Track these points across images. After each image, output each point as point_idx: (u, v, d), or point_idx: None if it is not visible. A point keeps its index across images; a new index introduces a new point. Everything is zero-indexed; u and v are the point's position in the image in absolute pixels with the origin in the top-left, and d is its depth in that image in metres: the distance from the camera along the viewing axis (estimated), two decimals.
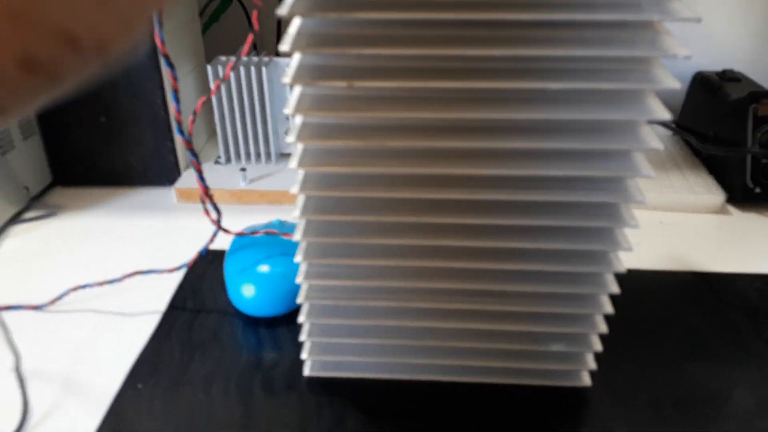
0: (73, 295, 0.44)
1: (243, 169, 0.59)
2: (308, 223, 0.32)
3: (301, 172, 0.31)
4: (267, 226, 0.44)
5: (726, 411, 0.36)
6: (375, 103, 0.29)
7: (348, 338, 0.36)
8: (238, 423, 0.35)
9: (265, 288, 0.41)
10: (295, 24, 0.28)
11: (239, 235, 0.44)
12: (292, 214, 0.31)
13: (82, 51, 0.15)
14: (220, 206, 0.42)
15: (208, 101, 0.60)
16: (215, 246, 0.44)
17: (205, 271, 0.47)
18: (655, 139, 0.29)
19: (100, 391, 0.37)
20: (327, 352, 0.37)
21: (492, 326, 0.35)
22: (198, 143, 0.65)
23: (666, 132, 0.66)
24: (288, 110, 0.28)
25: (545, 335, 0.35)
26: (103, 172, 0.60)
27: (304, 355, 0.37)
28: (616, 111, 0.28)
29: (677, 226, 0.55)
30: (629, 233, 0.32)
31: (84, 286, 0.44)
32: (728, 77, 0.62)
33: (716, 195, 0.57)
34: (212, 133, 0.69)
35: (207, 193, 0.40)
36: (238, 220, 0.46)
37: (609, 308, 0.34)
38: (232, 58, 0.58)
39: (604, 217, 0.31)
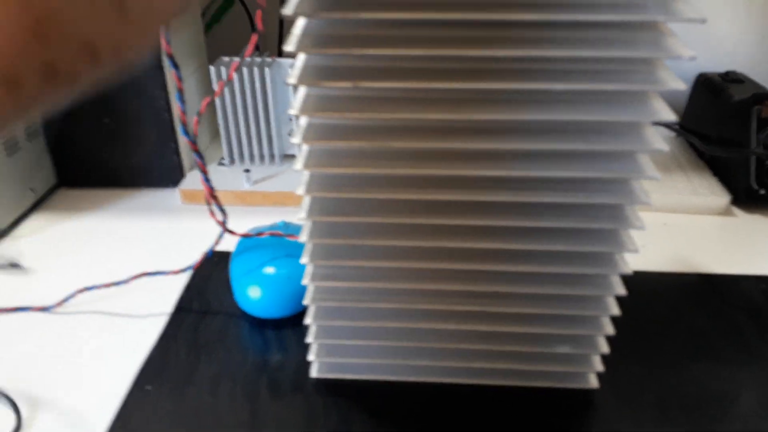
0: (80, 296, 0.44)
1: (247, 171, 0.59)
2: (314, 225, 0.32)
3: (306, 174, 0.31)
4: (272, 227, 0.44)
5: (732, 412, 0.36)
6: (380, 104, 0.29)
7: (354, 340, 0.36)
8: (245, 425, 0.35)
9: (271, 290, 0.41)
10: (300, 24, 0.28)
11: (245, 236, 0.44)
12: (298, 216, 0.31)
13: (101, 60, 0.15)
14: (224, 208, 0.42)
15: (212, 102, 0.60)
16: (220, 248, 0.44)
17: (211, 273, 0.47)
18: (660, 140, 0.29)
19: (108, 392, 0.37)
20: (333, 354, 0.37)
21: (498, 328, 0.35)
22: (201, 145, 0.66)
23: (669, 134, 0.66)
24: (293, 111, 0.28)
25: (551, 337, 0.35)
26: (107, 173, 0.60)
27: (310, 357, 0.37)
28: (620, 112, 0.28)
29: (681, 227, 0.55)
30: (634, 235, 0.32)
31: (91, 288, 0.44)
32: (731, 79, 0.62)
33: (720, 197, 0.57)
34: (215, 135, 0.69)
35: (213, 195, 0.40)
36: (243, 221, 0.47)
37: (615, 310, 0.34)
38: (236, 59, 0.59)
39: (609, 219, 0.31)
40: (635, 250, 0.31)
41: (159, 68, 0.55)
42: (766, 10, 0.70)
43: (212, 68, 0.57)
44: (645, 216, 0.31)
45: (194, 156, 0.39)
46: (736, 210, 0.58)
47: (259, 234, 0.43)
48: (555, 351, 0.36)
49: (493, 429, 0.35)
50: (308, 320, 0.35)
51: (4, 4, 0.12)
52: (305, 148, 0.30)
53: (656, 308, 0.44)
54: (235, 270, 0.43)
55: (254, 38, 0.40)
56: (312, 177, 0.31)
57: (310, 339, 0.36)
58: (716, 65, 0.67)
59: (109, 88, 0.55)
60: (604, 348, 0.35)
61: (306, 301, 0.34)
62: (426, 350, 0.37)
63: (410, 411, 0.36)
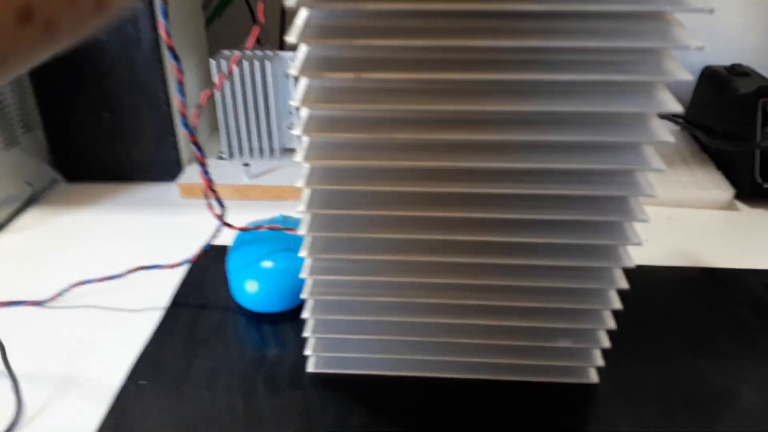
0: (75, 290, 0.44)
1: (246, 165, 0.58)
2: (314, 218, 0.32)
3: (306, 166, 0.31)
4: (270, 221, 0.44)
5: (735, 408, 0.35)
6: (382, 95, 0.28)
7: (353, 334, 0.36)
8: (242, 420, 0.34)
9: (269, 284, 0.41)
10: (302, 15, 0.27)
11: (243, 230, 0.43)
12: (297, 209, 0.31)
13: (81, 5, 0.14)
14: (223, 201, 0.42)
15: (211, 96, 0.60)
16: (218, 241, 0.43)
17: (208, 267, 0.46)
18: (666, 132, 0.29)
19: (102, 387, 0.36)
20: (331, 349, 0.37)
21: (499, 322, 0.34)
22: (200, 138, 0.65)
23: (674, 127, 0.65)
24: (294, 102, 0.28)
25: (552, 331, 0.35)
26: (105, 167, 0.59)
27: (307, 352, 0.37)
28: (626, 103, 0.28)
29: (685, 221, 0.54)
30: (637, 228, 0.32)
31: (86, 282, 0.44)
32: (737, 71, 0.61)
33: (724, 191, 0.56)
34: (214, 129, 0.68)
35: (211, 188, 0.40)
36: (241, 215, 0.46)
37: (617, 304, 0.33)
38: (236, 52, 0.58)
39: (613, 211, 0.31)
40: (639, 243, 0.31)
41: (158, 61, 0.55)
42: None
43: (213, 61, 0.57)
44: (648, 210, 0.31)
45: (193, 148, 0.39)
46: (740, 204, 0.57)
47: (258, 228, 0.43)
48: (555, 345, 0.35)
49: (493, 424, 0.34)
50: (306, 314, 0.35)
51: None
52: (306, 140, 0.30)
53: (658, 302, 0.44)
54: (233, 264, 0.42)
55: (255, 30, 0.39)
56: (312, 169, 0.31)
57: (307, 333, 0.36)
58: (722, 58, 0.67)
59: (107, 81, 0.55)
60: (605, 342, 0.35)
61: (304, 295, 0.34)
62: (425, 345, 0.36)
63: (409, 406, 0.35)
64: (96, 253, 0.50)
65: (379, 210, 0.31)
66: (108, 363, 0.38)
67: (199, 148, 0.38)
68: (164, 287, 0.45)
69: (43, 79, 0.56)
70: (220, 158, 0.62)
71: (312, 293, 0.34)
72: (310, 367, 0.37)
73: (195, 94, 0.62)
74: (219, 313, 0.42)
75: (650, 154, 0.30)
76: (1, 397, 0.35)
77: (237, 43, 0.51)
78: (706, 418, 0.35)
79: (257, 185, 0.57)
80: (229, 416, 0.34)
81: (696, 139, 0.64)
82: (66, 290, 0.44)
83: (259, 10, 0.39)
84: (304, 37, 0.27)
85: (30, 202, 0.57)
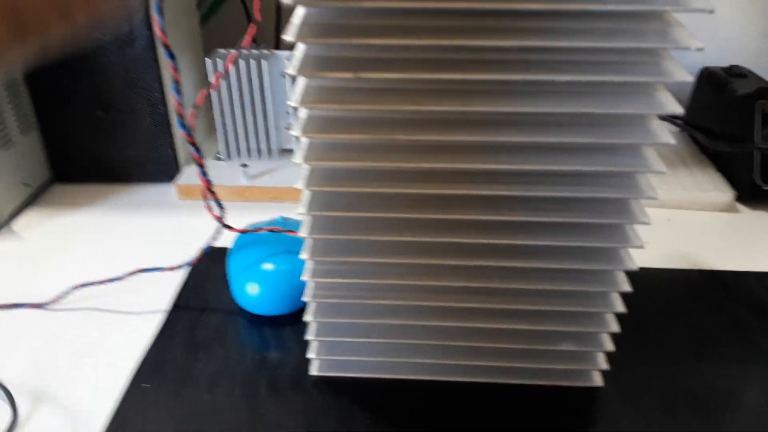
0: (76, 293, 0.44)
1: (244, 165, 0.58)
2: (314, 220, 0.32)
3: (306, 167, 0.30)
4: (270, 223, 0.44)
5: (736, 409, 0.35)
6: (382, 95, 0.28)
7: (355, 337, 0.35)
8: (244, 423, 0.34)
9: (270, 286, 0.40)
10: (299, 13, 0.27)
11: (243, 232, 0.43)
12: (297, 211, 0.31)
13: (73, 16, 0.14)
14: (222, 203, 0.41)
15: (208, 96, 0.59)
16: (218, 244, 0.43)
17: (208, 269, 0.46)
18: (667, 133, 0.28)
19: (104, 390, 0.36)
20: (334, 352, 0.37)
21: (501, 325, 0.34)
22: (197, 139, 0.64)
23: (673, 128, 0.65)
24: (292, 102, 0.28)
25: (555, 334, 0.35)
26: (101, 167, 0.59)
27: (310, 355, 0.37)
28: (626, 104, 0.28)
29: (685, 223, 0.54)
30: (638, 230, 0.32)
31: (87, 284, 0.44)
32: (735, 73, 0.61)
33: (724, 192, 0.56)
34: (211, 130, 0.68)
35: (210, 189, 0.40)
36: (240, 217, 0.46)
37: (621, 307, 0.33)
38: (232, 51, 0.58)
39: (614, 213, 0.31)
40: (641, 246, 0.31)
41: (154, 60, 0.54)
42: None
43: (208, 60, 0.56)
44: (648, 212, 0.31)
45: (191, 149, 0.38)
46: (739, 206, 0.57)
47: (258, 230, 0.43)
48: (559, 348, 0.35)
49: (496, 428, 0.34)
50: (308, 317, 0.35)
51: None
52: (305, 141, 0.30)
53: (659, 305, 0.44)
54: (233, 266, 0.42)
55: (252, 29, 0.39)
56: (312, 171, 0.30)
57: (309, 336, 0.36)
58: (720, 59, 0.66)
59: (102, 80, 0.55)
60: (609, 345, 0.35)
61: (305, 298, 0.34)
62: (428, 348, 0.36)
63: (411, 409, 0.35)
64: (95, 255, 0.49)
65: (380, 212, 0.31)
66: (110, 366, 0.38)
67: (197, 149, 0.38)
68: (165, 290, 0.44)
69: (39, 79, 0.55)
70: (218, 159, 0.62)
71: (314, 296, 0.34)
72: (313, 371, 0.37)
73: (191, 94, 0.62)
74: (220, 316, 0.42)
75: (651, 155, 0.30)
76: None
77: (233, 43, 0.50)
78: (709, 421, 0.35)
79: (255, 186, 0.57)
80: (231, 420, 0.34)
81: (695, 140, 0.64)
82: (67, 292, 0.44)
83: (256, 8, 0.38)
84: (301, 35, 0.26)
85: (27, 203, 0.56)
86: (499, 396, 0.36)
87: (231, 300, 0.43)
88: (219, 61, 0.56)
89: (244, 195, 0.57)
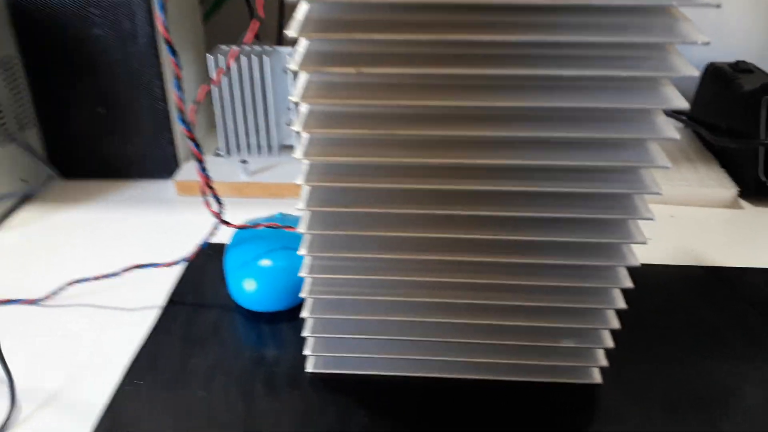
0: (70, 289, 0.43)
1: (244, 161, 0.57)
2: (313, 215, 0.32)
3: (306, 163, 0.30)
4: (269, 219, 0.43)
5: (739, 407, 0.35)
6: (384, 90, 0.28)
7: (353, 334, 0.35)
8: (239, 420, 0.34)
9: (267, 282, 0.40)
10: (302, 8, 0.27)
11: (241, 228, 0.42)
12: (297, 206, 0.30)
13: None
14: (220, 198, 0.41)
15: (209, 92, 0.59)
16: (216, 240, 0.43)
17: (205, 265, 0.46)
18: (672, 128, 0.28)
19: (97, 387, 0.36)
20: (331, 349, 0.36)
21: (501, 321, 0.34)
22: (197, 135, 0.64)
23: (677, 124, 0.65)
24: (294, 98, 0.27)
25: (556, 330, 0.34)
26: (101, 163, 0.59)
27: (306, 352, 0.36)
28: (631, 99, 0.27)
29: (689, 220, 0.54)
30: (641, 226, 0.31)
31: (81, 281, 0.44)
32: (741, 68, 0.61)
33: (728, 189, 0.56)
34: (211, 126, 0.67)
35: (209, 184, 0.39)
36: (239, 213, 0.46)
37: (622, 303, 0.33)
38: (234, 47, 0.57)
39: (618, 209, 0.30)
40: (644, 242, 0.30)
41: (155, 56, 0.54)
42: None
43: (210, 57, 0.56)
44: (651, 208, 0.30)
45: (191, 144, 0.38)
46: (743, 202, 0.57)
47: (256, 225, 0.42)
48: (559, 345, 0.35)
49: (494, 425, 0.34)
50: (305, 314, 0.34)
51: None
52: (305, 136, 0.29)
53: (661, 301, 0.43)
54: (230, 262, 0.42)
55: (255, 25, 0.38)
56: (312, 166, 0.30)
57: (306, 333, 0.35)
58: (726, 55, 0.66)
59: (102, 76, 0.54)
60: (609, 342, 0.34)
61: (303, 294, 0.33)
62: (426, 344, 0.36)
63: (409, 407, 0.35)
64: (92, 251, 0.49)
65: (380, 207, 0.30)
66: (104, 362, 0.38)
67: (197, 145, 0.38)
68: (161, 286, 0.44)
69: (39, 74, 0.55)
70: (217, 155, 0.61)
71: (311, 292, 0.33)
72: (309, 367, 0.37)
73: (192, 91, 0.61)
74: (216, 312, 0.42)
75: (655, 151, 0.29)
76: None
77: (235, 39, 0.50)
78: (711, 418, 0.34)
79: (255, 182, 0.57)
80: (227, 417, 0.34)
81: (699, 136, 0.64)
82: (61, 289, 0.43)
83: (259, 4, 0.38)
84: (304, 30, 0.26)
85: (25, 199, 0.56)
86: (498, 393, 0.36)
87: (228, 296, 0.42)
88: (221, 57, 0.56)
89: (244, 191, 0.57)
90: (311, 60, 0.27)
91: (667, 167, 0.28)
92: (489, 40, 0.26)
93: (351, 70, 0.27)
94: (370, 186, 0.30)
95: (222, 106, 0.58)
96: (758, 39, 0.70)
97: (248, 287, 0.40)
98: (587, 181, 0.29)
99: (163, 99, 0.56)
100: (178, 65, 0.36)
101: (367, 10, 0.27)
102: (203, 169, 0.39)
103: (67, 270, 0.46)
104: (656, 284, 0.45)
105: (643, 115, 0.29)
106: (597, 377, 0.36)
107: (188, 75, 0.61)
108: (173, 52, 0.35)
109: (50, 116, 0.57)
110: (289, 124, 0.61)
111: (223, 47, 0.58)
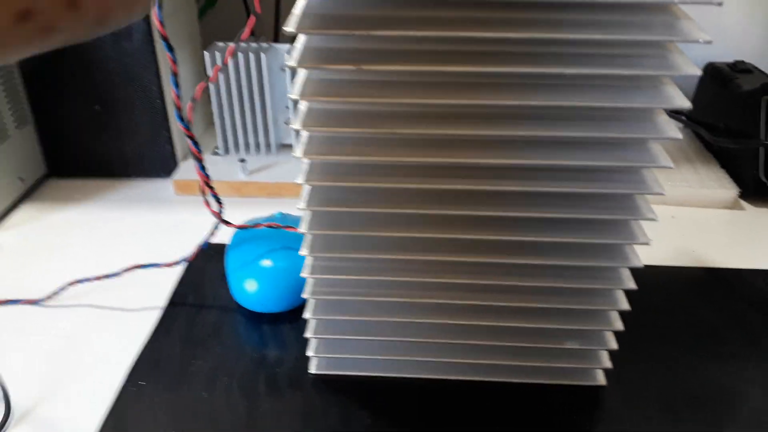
0: (71, 289, 0.43)
1: (242, 160, 0.57)
2: (314, 215, 0.31)
3: (306, 162, 0.30)
4: (269, 219, 0.43)
5: (741, 408, 0.35)
6: (384, 88, 0.27)
7: (355, 335, 0.35)
8: (242, 422, 0.33)
9: (268, 283, 0.40)
10: (300, 4, 0.26)
11: (241, 228, 0.42)
12: (298, 206, 0.30)
13: (80, 13, 0.14)
14: (220, 198, 0.41)
15: (206, 90, 0.59)
16: (216, 240, 0.42)
17: (206, 266, 0.46)
18: (674, 128, 0.28)
19: (100, 388, 0.36)
20: (333, 350, 0.36)
21: (504, 323, 0.34)
22: (195, 133, 0.64)
23: (677, 124, 0.65)
24: (293, 95, 0.27)
25: (559, 332, 0.34)
26: (98, 162, 0.58)
27: (309, 353, 0.36)
28: (633, 98, 0.27)
29: (689, 221, 0.54)
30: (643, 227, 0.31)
31: (82, 281, 0.43)
32: (740, 68, 0.61)
33: (728, 189, 0.55)
34: (209, 124, 0.67)
35: (208, 184, 0.39)
36: (238, 213, 0.45)
37: (625, 304, 0.33)
38: (231, 44, 0.57)
39: (620, 209, 0.30)
40: (646, 242, 0.30)
41: (152, 53, 0.54)
42: None
43: (207, 54, 0.56)
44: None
45: (189, 143, 0.38)
46: (744, 203, 0.57)
47: (256, 225, 0.42)
48: (562, 347, 0.34)
49: (498, 427, 0.34)
50: (307, 314, 0.34)
51: None
52: (305, 134, 0.29)
53: (663, 302, 0.43)
54: (231, 262, 0.41)
55: (252, 21, 0.38)
56: (312, 165, 0.30)
57: (308, 334, 0.35)
58: (725, 55, 0.66)
59: (99, 74, 0.54)
60: (613, 344, 0.34)
61: (305, 295, 0.33)
62: (429, 346, 0.36)
63: (412, 408, 0.35)
64: (91, 251, 0.49)
65: (382, 207, 0.30)
66: (106, 363, 0.38)
67: (195, 143, 0.37)
68: (161, 286, 0.44)
69: (34, 72, 0.55)
70: (215, 154, 0.61)
71: (313, 293, 0.33)
72: (312, 369, 0.37)
73: (188, 88, 0.61)
74: (218, 312, 0.42)
75: (657, 150, 0.29)
76: None
77: (231, 36, 0.49)
78: (713, 419, 0.34)
79: (253, 182, 0.56)
80: (229, 418, 0.34)
81: (699, 136, 0.64)
82: (62, 289, 0.43)
83: (255, 0, 0.38)
84: (302, 26, 0.26)
85: (22, 198, 0.56)
86: (501, 395, 0.35)
87: (229, 297, 0.42)
88: (217, 54, 0.56)
89: (242, 190, 0.57)
90: (310, 57, 0.27)
91: (669, 167, 0.28)
92: (490, 37, 0.26)
93: (351, 67, 0.26)
94: (371, 185, 0.30)
95: (220, 104, 0.58)
96: (757, 39, 0.70)
97: (249, 288, 0.40)
98: (590, 181, 0.29)
99: (160, 97, 0.55)
100: (174, 62, 0.35)
101: (366, 5, 0.26)
102: (202, 168, 0.38)
103: (67, 270, 0.45)
104: (657, 285, 0.45)
105: (645, 114, 0.29)
106: (601, 379, 0.36)
107: (185, 73, 0.61)
108: (170, 48, 0.35)
109: (46, 114, 0.56)
110: (287, 123, 0.60)
111: (220, 44, 0.57)
